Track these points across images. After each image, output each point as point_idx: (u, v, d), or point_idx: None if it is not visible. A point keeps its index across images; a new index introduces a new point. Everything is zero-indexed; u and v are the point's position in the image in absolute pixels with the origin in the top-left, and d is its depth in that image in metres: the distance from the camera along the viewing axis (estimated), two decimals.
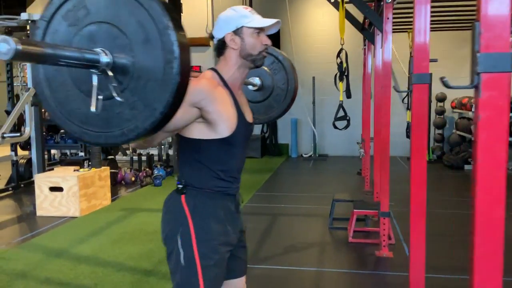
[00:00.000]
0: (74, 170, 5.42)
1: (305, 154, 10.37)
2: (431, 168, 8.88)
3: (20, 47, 0.99)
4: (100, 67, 1.20)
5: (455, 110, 9.59)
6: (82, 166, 5.84)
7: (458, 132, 9.42)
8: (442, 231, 4.39)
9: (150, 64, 1.19)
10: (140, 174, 7.41)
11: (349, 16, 5.21)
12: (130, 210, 5.48)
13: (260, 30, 1.66)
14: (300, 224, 4.93)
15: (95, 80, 1.22)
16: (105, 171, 5.77)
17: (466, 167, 8.52)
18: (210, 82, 1.61)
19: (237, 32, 1.65)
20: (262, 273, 3.54)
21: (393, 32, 4.46)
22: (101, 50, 1.20)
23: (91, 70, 1.20)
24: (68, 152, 8.11)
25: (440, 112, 9.88)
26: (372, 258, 3.87)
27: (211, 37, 1.72)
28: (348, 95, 4.75)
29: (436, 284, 3.21)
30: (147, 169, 7.60)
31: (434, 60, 2.21)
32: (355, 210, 4.35)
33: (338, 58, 4.53)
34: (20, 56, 1.00)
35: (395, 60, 8.26)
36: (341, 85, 4.60)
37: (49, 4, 1.29)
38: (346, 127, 4.55)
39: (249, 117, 1.76)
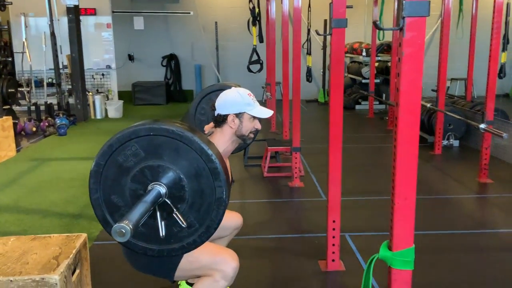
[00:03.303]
0: None
1: None
2: (326, 109, 9.62)
3: (131, 227, 1.31)
4: (162, 200, 1.50)
5: (347, 54, 10.34)
6: None
7: (350, 75, 10.23)
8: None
9: (202, 191, 1.53)
10: (42, 124, 7.08)
11: None
12: (40, 160, 5.32)
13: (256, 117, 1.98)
14: None
15: (158, 212, 1.52)
16: (8, 120, 5.47)
17: (357, 107, 9.38)
18: None
19: (238, 115, 1.97)
20: None
21: None
22: (157, 184, 1.51)
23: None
24: None
25: None
26: (286, 189, 4.30)
27: (213, 108, 2.00)
28: (261, 40, 4.98)
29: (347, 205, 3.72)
30: (50, 118, 7.26)
31: (350, 7, 2.50)
32: (268, 147, 4.72)
33: (251, 3, 4.69)
34: (133, 233, 1.32)
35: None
36: (254, 30, 4.80)
37: (103, 151, 1.56)
38: (260, 70, 4.80)
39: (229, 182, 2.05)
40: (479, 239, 3.16)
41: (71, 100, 8.33)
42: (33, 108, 7.83)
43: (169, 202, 1.52)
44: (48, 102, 7.92)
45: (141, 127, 1.55)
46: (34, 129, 7.01)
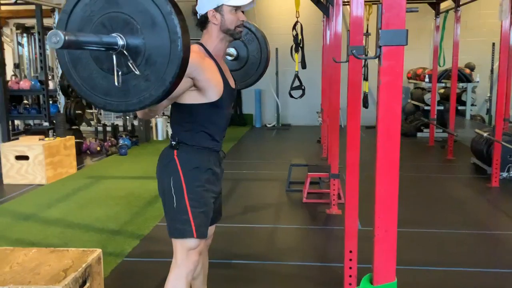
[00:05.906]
0: (39, 139, 5.53)
1: (268, 124, 10.67)
2: None
3: (67, 38, 1.28)
4: (118, 48, 1.48)
5: (410, 80, 10.05)
6: (47, 136, 5.93)
7: (412, 102, 9.90)
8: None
9: (158, 44, 1.48)
10: (106, 143, 7.54)
11: None
12: (96, 177, 5.66)
13: (237, 7, 1.94)
14: (260, 188, 5.25)
15: (114, 59, 1.50)
16: (70, 140, 5.89)
17: (419, 134, 9.03)
18: (199, 55, 1.88)
19: (217, 9, 1.91)
20: (224, 230, 3.79)
21: (344, 4, 4.70)
22: (117, 34, 1.48)
23: (110, 51, 1.48)
24: (32, 122, 8.11)
25: None
26: (323, 215, 4.23)
27: (194, 12, 1.95)
28: (303, 66, 5.02)
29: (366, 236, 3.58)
30: (112, 139, 7.72)
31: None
32: (309, 173, 4.69)
33: (294, 30, 4.77)
34: (66, 45, 1.29)
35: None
36: (296, 56, 4.85)
37: (69, 2, 1.55)
38: (301, 96, 4.83)
39: (232, 83, 2.05)
40: None
41: (136, 122, 8.80)
42: (100, 128, 8.38)
43: (126, 53, 1.49)
44: (114, 124, 8.45)
45: None
46: (99, 148, 7.47)
